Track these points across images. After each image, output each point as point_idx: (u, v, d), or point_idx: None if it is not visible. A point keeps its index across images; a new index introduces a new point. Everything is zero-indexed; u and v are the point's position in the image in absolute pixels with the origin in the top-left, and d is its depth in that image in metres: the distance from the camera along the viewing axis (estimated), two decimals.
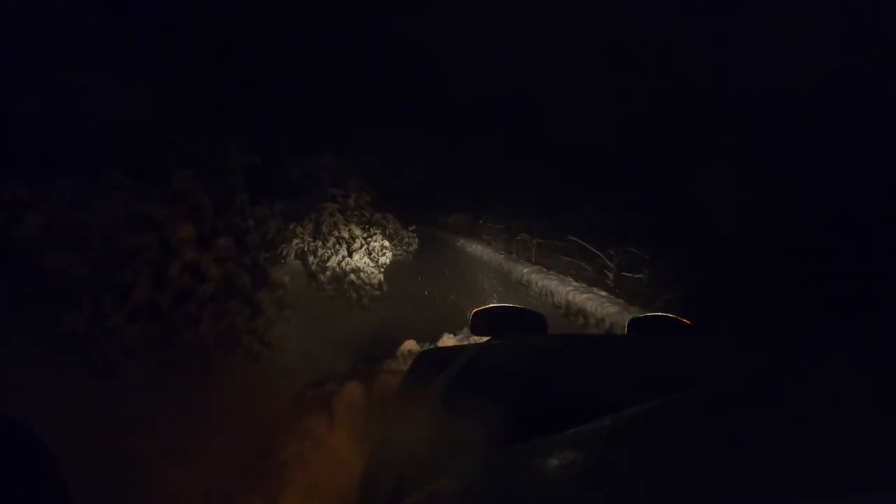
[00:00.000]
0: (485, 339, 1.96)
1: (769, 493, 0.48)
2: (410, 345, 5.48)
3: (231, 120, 6.98)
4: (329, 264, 8.05)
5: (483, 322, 2.15)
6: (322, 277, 7.95)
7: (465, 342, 5.00)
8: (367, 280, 8.14)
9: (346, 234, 8.42)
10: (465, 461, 0.87)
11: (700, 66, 9.70)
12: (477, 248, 15.56)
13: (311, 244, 8.13)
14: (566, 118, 11.66)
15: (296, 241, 7.96)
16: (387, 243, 9.05)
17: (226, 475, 3.22)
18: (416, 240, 11.87)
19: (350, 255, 8.28)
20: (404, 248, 11.71)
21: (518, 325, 2.10)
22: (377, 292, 8.16)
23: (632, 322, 2.15)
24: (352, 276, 8.04)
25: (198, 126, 5.66)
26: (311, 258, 8.07)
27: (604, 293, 8.34)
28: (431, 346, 5.32)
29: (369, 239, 8.76)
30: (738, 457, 0.55)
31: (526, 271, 11.27)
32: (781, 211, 6.70)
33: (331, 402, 4.15)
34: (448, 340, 5.62)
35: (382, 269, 8.66)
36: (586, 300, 7.98)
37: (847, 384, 0.74)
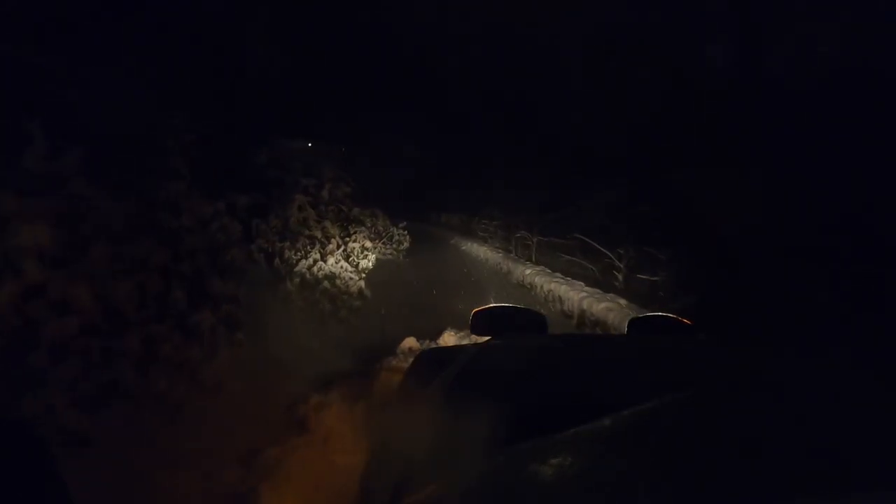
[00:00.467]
0: (485, 338, 1.96)
1: (769, 493, 0.48)
2: (410, 342, 5.48)
3: (187, 96, 5.77)
4: (298, 269, 6.67)
5: (483, 322, 2.15)
6: (289, 285, 6.52)
7: (465, 341, 5.01)
8: (344, 288, 6.93)
9: (318, 233, 6.98)
10: (466, 461, 0.87)
11: (703, 63, 9.65)
12: (473, 247, 15.19)
13: (277, 245, 6.65)
14: (567, 112, 11.48)
15: (260, 240, 6.54)
16: (368, 244, 7.85)
17: (226, 475, 3.22)
18: (408, 237, 11.31)
19: (323, 258, 6.94)
20: (394, 246, 11.12)
21: (518, 325, 2.10)
22: (357, 302, 6.91)
23: (632, 322, 2.15)
24: (325, 283, 6.74)
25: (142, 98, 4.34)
26: (276, 262, 6.65)
27: (623, 301, 7.27)
28: (432, 344, 5.33)
29: (347, 238, 7.49)
30: (738, 457, 0.55)
31: (528, 273, 10.40)
32: (782, 210, 6.69)
33: (331, 401, 4.15)
34: (449, 338, 5.63)
35: (364, 275, 7.43)
36: (606, 311, 6.85)
37: (847, 384, 0.75)
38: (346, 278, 7.04)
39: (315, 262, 6.82)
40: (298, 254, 6.75)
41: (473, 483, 0.78)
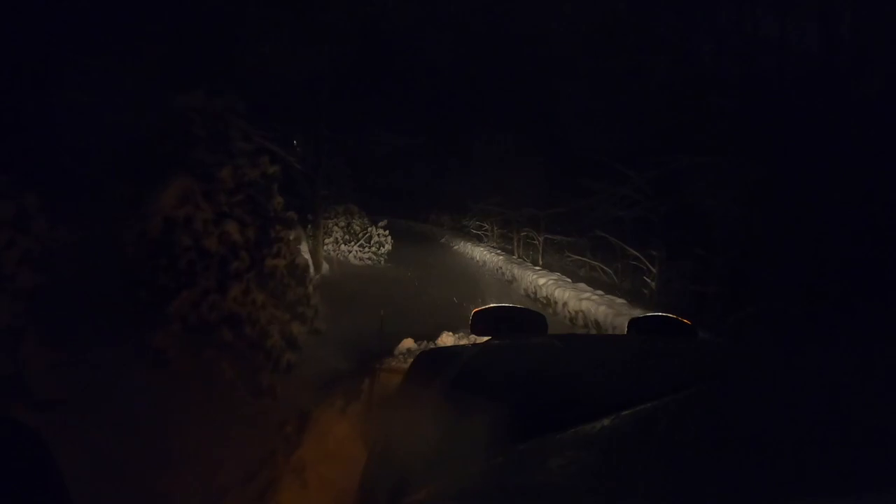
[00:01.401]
0: (485, 338, 1.96)
1: (769, 493, 0.48)
2: (409, 343, 5.48)
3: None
4: (177, 308, 3.73)
5: (483, 322, 2.15)
6: (161, 336, 3.66)
7: (463, 341, 5.01)
8: (257, 338, 4.00)
9: (213, 243, 3.91)
10: (466, 461, 0.87)
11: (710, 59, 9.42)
12: (468, 247, 13.96)
13: (145, 265, 3.76)
14: (574, 97, 10.92)
15: (124, 259, 3.75)
16: (303, 257, 4.71)
17: (229, 474, 3.22)
18: (390, 239, 9.91)
19: (223, 285, 3.92)
20: (373, 249, 9.67)
21: (518, 325, 2.10)
22: (290, 356, 4.13)
23: (632, 322, 2.16)
24: (225, 330, 3.86)
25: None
26: (142, 294, 3.71)
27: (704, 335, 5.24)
28: (430, 345, 5.33)
29: (266, 251, 4.21)
30: (739, 457, 0.55)
31: (542, 282, 7.97)
32: (783, 209, 6.67)
33: (331, 401, 4.15)
34: (447, 339, 5.63)
35: (301, 310, 4.39)
36: None
37: (847, 383, 0.75)
38: (264, 321, 4.04)
39: (207, 293, 3.86)
40: (179, 279, 3.78)
41: (473, 483, 0.78)
